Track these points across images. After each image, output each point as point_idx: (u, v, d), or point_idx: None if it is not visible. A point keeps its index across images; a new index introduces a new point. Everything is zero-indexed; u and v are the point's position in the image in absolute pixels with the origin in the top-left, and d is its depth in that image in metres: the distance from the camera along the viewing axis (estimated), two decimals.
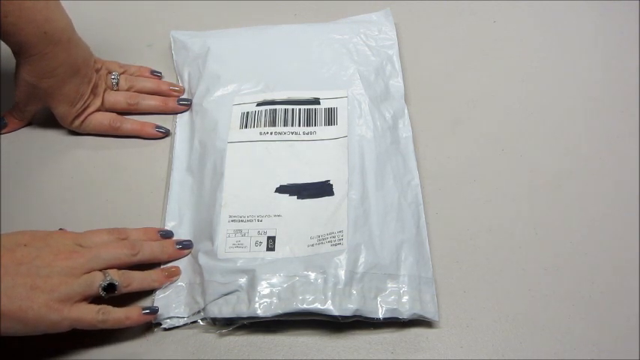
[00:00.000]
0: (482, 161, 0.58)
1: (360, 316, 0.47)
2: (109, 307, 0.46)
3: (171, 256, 0.51)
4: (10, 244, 0.45)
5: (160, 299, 0.49)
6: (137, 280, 0.48)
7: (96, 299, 0.46)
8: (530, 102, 0.62)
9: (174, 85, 0.64)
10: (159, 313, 0.48)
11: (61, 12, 0.54)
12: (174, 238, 0.53)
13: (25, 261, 0.44)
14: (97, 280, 0.46)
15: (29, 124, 0.61)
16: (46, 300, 0.43)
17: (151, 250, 0.50)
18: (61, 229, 0.50)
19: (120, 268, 0.48)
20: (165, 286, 0.50)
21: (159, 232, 0.53)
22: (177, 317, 0.49)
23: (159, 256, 0.51)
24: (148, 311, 0.47)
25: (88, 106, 0.59)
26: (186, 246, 0.52)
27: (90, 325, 0.45)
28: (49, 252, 0.45)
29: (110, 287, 0.46)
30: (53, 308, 0.43)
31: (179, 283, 0.50)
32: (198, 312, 0.49)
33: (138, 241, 0.50)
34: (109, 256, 0.47)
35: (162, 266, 0.51)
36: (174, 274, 0.51)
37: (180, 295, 0.50)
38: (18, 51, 0.54)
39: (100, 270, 0.46)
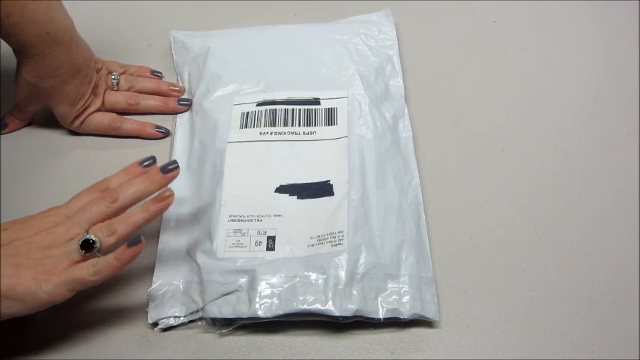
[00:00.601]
0: (482, 161, 0.58)
1: (360, 317, 0.47)
2: (96, 259, 0.44)
3: (160, 184, 0.48)
4: None
5: (155, 297, 0.49)
6: (122, 222, 0.46)
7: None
8: (530, 102, 0.62)
9: (175, 85, 0.64)
10: (155, 305, 0.47)
11: (63, 12, 0.54)
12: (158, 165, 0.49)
13: (4, 244, 0.44)
14: (75, 242, 0.44)
15: (29, 124, 0.61)
16: (32, 274, 0.43)
17: (133, 188, 0.47)
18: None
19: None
20: (162, 287, 0.49)
21: (140, 163, 0.49)
22: (175, 317, 0.49)
23: (147, 188, 0.47)
24: (132, 242, 0.44)
25: (88, 106, 0.59)
26: (172, 168, 0.48)
27: (86, 281, 0.44)
28: (27, 231, 0.45)
29: (88, 244, 0.44)
30: (41, 279, 0.43)
31: (176, 283, 0.50)
32: (197, 311, 0.49)
33: (116, 187, 0.47)
34: (88, 216, 0.46)
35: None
36: (167, 196, 0.47)
37: (176, 294, 0.50)
38: (19, 51, 0.54)
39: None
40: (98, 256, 0.45)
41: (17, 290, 0.42)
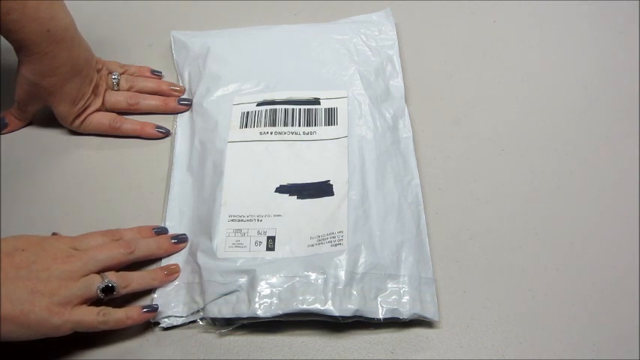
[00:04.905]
0: (482, 161, 0.58)
1: (360, 317, 0.47)
2: (109, 308, 0.46)
3: (167, 251, 0.52)
4: (9, 249, 0.45)
5: (158, 299, 0.49)
6: (135, 280, 0.48)
7: (95, 302, 0.46)
8: (530, 102, 0.62)
9: (175, 85, 0.63)
10: (158, 310, 0.48)
11: (64, 11, 0.54)
12: (169, 233, 0.53)
13: (23, 265, 0.44)
14: (95, 283, 0.46)
15: (29, 124, 0.61)
16: (47, 304, 0.43)
17: (146, 246, 0.50)
18: (54, 233, 0.51)
19: (117, 268, 0.48)
20: (165, 285, 0.50)
21: (153, 229, 0.53)
22: (176, 316, 0.49)
23: (155, 252, 0.51)
24: (148, 309, 0.47)
25: (88, 106, 0.59)
26: (181, 240, 0.52)
27: (91, 326, 0.45)
28: (46, 256, 0.45)
29: (108, 289, 0.46)
30: (54, 312, 0.43)
31: (177, 283, 0.50)
32: (197, 311, 0.49)
33: (133, 240, 0.50)
34: (105, 257, 0.47)
35: (161, 264, 0.51)
36: (174, 271, 0.51)
37: (179, 294, 0.50)
38: (20, 49, 0.53)
39: (98, 272, 0.47)
40: (102, 300, 0.46)
41: (29, 317, 0.43)
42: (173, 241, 0.52)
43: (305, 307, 0.46)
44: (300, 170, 0.54)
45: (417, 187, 0.55)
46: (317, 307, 0.46)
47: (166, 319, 0.49)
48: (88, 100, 0.58)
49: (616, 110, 0.62)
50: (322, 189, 0.53)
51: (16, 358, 0.47)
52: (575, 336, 0.48)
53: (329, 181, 0.53)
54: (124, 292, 0.47)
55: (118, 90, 0.62)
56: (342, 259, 0.48)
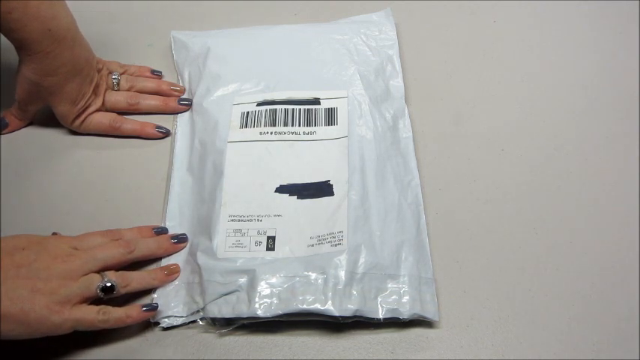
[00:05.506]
0: (482, 161, 0.58)
1: (360, 317, 0.47)
2: (109, 307, 0.46)
3: (167, 251, 0.52)
4: (9, 248, 0.45)
5: (158, 298, 0.49)
6: (135, 279, 0.48)
7: (95, 301, 0.46)
8: (530, 102, 0.62)
9: (175, 85, 0.64)
10: (158, 310, 0.48)
11: (65, 10, 0.54)
12: (169, 233, 0.53)
13: (24, 264, 0.44)
14: (95, 282, 0.46)
15: (30, 123, 0.61)
16: (47, 302, 0.43)
17: (146, 246, 0.50)
18: (54, 233, 0.51)
19: (116, 267, 0.48)
20: (165, 285, 0.50)
21: (153, 229, 0.53)
22: (176, 316, 0.49)
23: (155, 251, 0.51)
24: (147, 308, 0.47)
25: (89, 106, 0.59)
26: (181, 240, 0.52)
27: (91, 325, 0.45)
28: (46, 255, 0.45)
29: (108, 288, 0.46)
30: (54, 310, 0.43)
31: (177, 283, 0.50)
32: (197, 311, 0.49)
33: (133, 240, 0.50)
34: (104, 256, 0.48)
35: (161, 264, 0.51)
36: (174, 271, 0.51)
37: (178, 294, 0.50)
38: (21, 48, 0.53)
39: (98, 272, 0.47)
40: (102, 299, 0.46)
41: (29, 316, 0.43)
42: (173, 241, 0.52)
43: (305, 307, 0.46)
44: (300, 170, 0.54)
45: (417, 187, 0.55)
46: (317, 307, 0.46)
47: (166, 319, 0.49)
48: (88, 99, 0.58)
49: (616, 110, 0.62)
50: (322, 189, 0.53)
51: (16, 357, 0.47)
52: (575, 336, 0.48)
53: (329, 181, 0.53)
54: (123, 291, 0.47)
55: (118, 90, 0.62)
56: (342, 259, 0.48)
